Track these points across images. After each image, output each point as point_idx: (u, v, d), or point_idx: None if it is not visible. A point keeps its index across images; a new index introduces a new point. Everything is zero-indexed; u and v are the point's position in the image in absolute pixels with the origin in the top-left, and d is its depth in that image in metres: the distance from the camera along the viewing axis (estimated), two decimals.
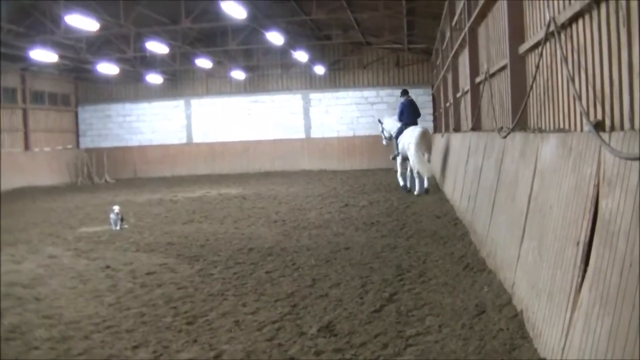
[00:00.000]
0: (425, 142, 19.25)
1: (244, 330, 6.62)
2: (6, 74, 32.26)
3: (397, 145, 20.61)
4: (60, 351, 6.18)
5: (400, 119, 20.88)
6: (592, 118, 5.85)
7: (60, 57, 29.20)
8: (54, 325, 7.00)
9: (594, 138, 4.38)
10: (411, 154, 19.09)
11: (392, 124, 21.67)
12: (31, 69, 34.05)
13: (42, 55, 26.41)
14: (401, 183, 20.82)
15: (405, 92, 21.43)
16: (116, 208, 15.05)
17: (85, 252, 11.57)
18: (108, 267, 10.10)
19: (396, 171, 21.55)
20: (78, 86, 39.67)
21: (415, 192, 19.22)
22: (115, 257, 10.96)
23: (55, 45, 27.56)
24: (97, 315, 7.41)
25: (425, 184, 19.23)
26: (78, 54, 30.15)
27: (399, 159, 20.71)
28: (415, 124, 20.47)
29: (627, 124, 5.04)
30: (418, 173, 19.12)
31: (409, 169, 20.20)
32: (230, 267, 9.75)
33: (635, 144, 3.67)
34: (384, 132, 22.21)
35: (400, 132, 20.56)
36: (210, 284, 8.71)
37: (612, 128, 5.41)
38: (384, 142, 22.96)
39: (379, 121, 23.24)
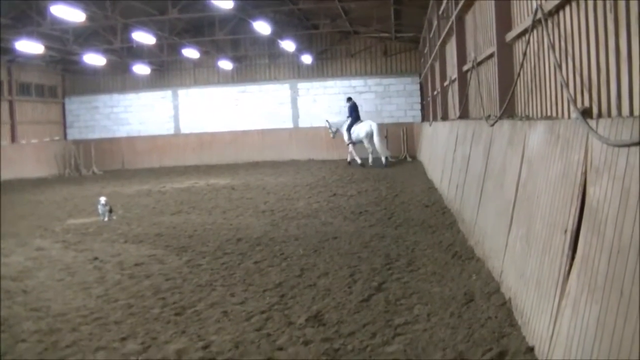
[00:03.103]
0: (381, 131, 28.43)
1: (233, 321, 6.61)
2: None
3: (350, 135, 28.89)
4: (48, 344, 6.15)
5: (351, 116, 29.24)
6: (579, 105, 5.85)
7: (47, 48, 28.99)
8: (42, 318, 6.97)
9: (582, 125, 4.37)
10: (375, 139, 27.36)
11: (339, 122, 30.42)
12: (17, 61, 33.79)
13: (29, 46, 26.19)
14: (358, 161, 28.53)
15: (350, 99, 30.20)
16: (102, 199, 14.98)
17: (74, 244, 11.53)
18: (96, 258, 10.06)
19: (350, 159, 29.36)
20: (65, 78, 39.36)
21: (370, 163, 27.95)
22: (103, 249, 10.92)
23: (42, 36, 27.32)
24: (85, 307, 7.38)
25: (384, 161, 27.49)
26: (65, 45, 29.93)
27: (350, 147, 29.19)
28: (360, 119, 29.10)
29: (614, 111, 5.04)
30: (378, 153, 27.62)
31: (370, 149, 28.02)
32: (219, 258, 9.73)
33: (623, 130, 3.66)
34: (331, 128, 30.59)
35: (350, 126, 28.93)
36: (198, 275, 8.69)
37: (600, 115, 5.40)
38: (332, 135, 31.01)
39: (327, 121, 31.26)
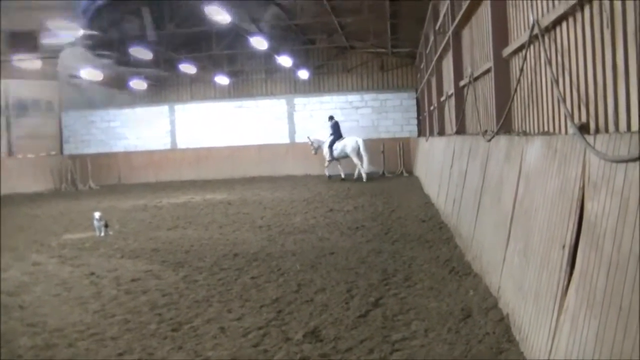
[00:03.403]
0: (367, 146, 29.12)
1: (230, 337, 6.58)
2: None
3: (331, 152, 29.70)
4: (44, 359, 6.12)
5: (334, 134, 29.91)
6: (576, 120, 5.86)
7: (44, 63, 29.03)
8: (38, 333, 6.94)
9: (579, 140, 4.37)
10: (362, 153, 28.57)
11: (321, 138, 30.90)
12: (15, 77, 33.81)
13: (25, 62, 26.21)
14: (342, 175, 29.89)
15: (332, 117, 31.02)
16: (97, 214, 14.94)
17: (70, 259, 11.49)
18: (92, 274, 10.03)
19: (329, 173, 30.63)
20: (62, 92, 39.42)
21: (355, 177, 29.23)
22: (99, 264, 10.88)
23: (40, 51, 27.37)
24: (81, 322, 7.35)
25: (364, 177, 28.61)
26: (62, 60, 29.97)
27: (326, 163, 30.51)
28: (342, 137, 29.81)
29: (611, 127, 5.05)
30: (362, 167, 28.66)
31: (358, 164, 28.82)
32: (215, 273, 9.70)
33: (620, 146, 3.66)
34: (313, 144, 31.21)
35: (332, 143, 29.69)
36: (195, 290, 8.66)
37: (597, 130, 5.42)
38: (313, 152, 31.62)
39: (308, 137, 32.08)
